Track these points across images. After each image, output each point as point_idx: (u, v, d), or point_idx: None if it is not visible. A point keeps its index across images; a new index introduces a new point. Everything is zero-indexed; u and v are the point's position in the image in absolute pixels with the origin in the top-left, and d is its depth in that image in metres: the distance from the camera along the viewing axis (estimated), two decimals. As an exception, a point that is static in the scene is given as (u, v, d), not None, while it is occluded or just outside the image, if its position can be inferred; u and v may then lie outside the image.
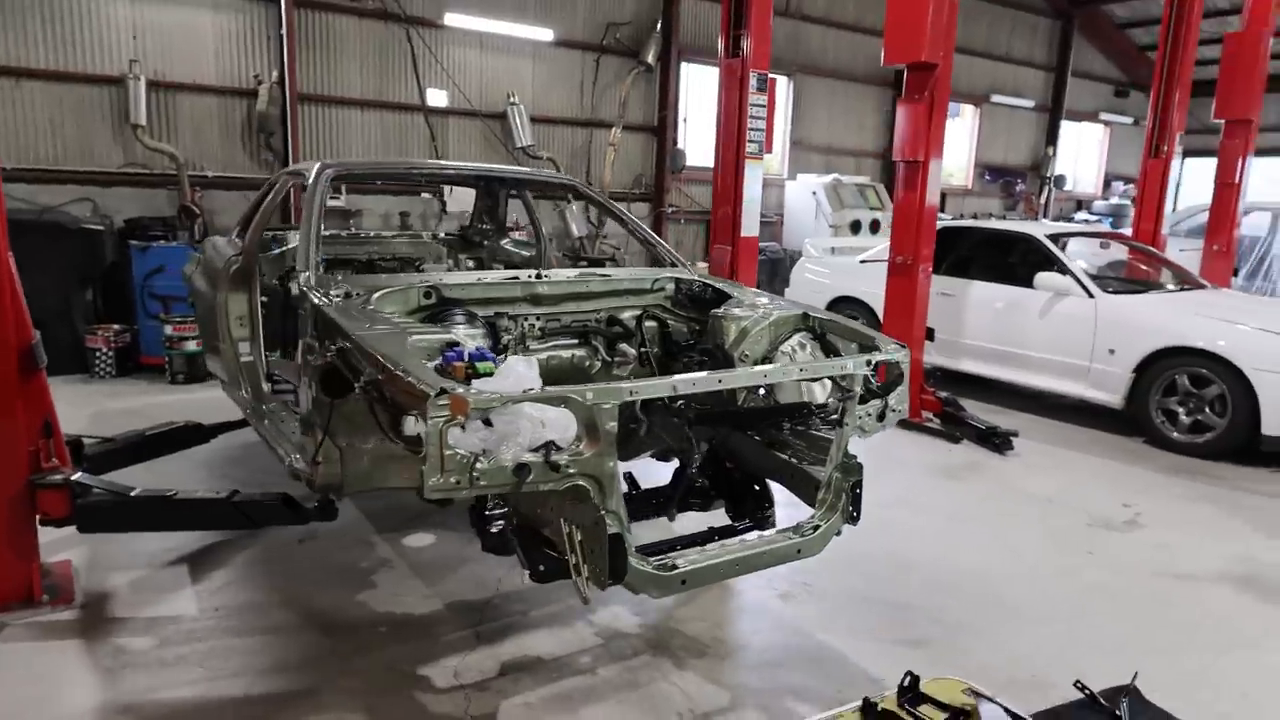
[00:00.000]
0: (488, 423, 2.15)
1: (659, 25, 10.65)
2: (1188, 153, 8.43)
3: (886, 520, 4.18)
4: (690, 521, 3.21)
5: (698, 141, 11.46)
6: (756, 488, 3.15)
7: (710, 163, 9.55)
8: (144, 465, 4.23)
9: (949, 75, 5.74)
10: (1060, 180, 16.41)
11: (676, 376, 2.49)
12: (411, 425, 2.28)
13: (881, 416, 2.92)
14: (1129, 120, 17.86)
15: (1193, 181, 9.06)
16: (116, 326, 7.01)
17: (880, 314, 6.47)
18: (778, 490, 3.19)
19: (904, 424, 4.34)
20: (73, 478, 3.20)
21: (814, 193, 11.63)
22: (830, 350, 3.25)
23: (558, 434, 2.20)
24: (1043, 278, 6.36)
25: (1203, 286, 6.96)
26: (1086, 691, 2.62)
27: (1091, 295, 6.18)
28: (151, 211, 7.75)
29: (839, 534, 2.83)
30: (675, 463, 3.46)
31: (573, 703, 2.81)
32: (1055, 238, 6.70)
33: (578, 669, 3.01)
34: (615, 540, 2.27)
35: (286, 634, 3.20)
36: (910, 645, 3.23)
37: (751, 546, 2.66)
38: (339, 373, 2.64)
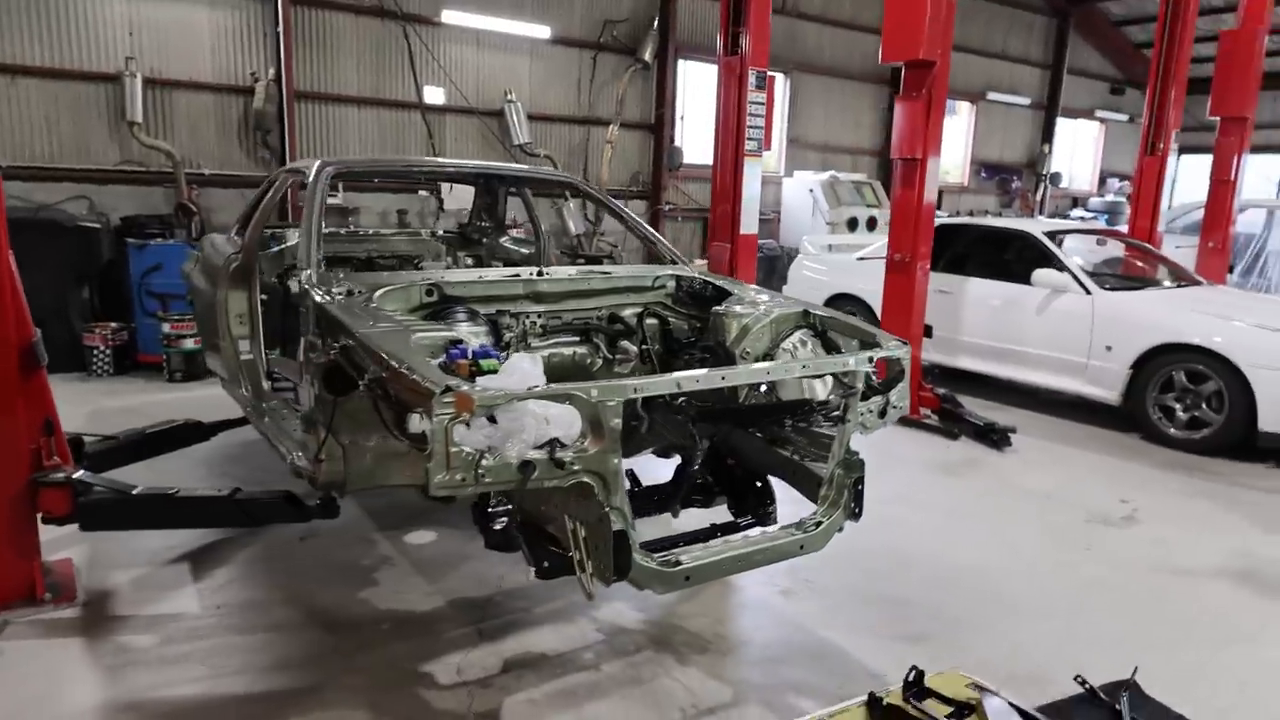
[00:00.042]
0: (492, 420, 2.15)
1: (656, 23, 10.65)
2: (1183, 150, 8.44)
3: (885, 516, 4.19)
4: (692, 518, 3.22)
5: (695, 139, 11.47)
6: (758, 484, 3.16)
7: (707, 160, 9.54)
8: (143, 464, 4.23)
9: (947, 73, 5.76)
10: (1056, 177, 16.46)
11: (680, 373, 2.50)
12: (417, 423, 2.28)
13: (883, 413, 2.93)
14: (1124, 117, 17.92)
15: (1188, 178, 9.10)
16: (114, 324, 6.99)
17: (878, 311, 6.48)
18: (778, 486, 3.21)
19: (902, 421, 4.34)
20: (74, 476, 3.19)
21: (811, 190, 11.65)
22: (831, 347, 3.26)
23: (562, 431, 2.21)
24: (1040, 275, 6.39)
25: (1199, 283, 6.98)
26: (1087, 686, 2.64)
27: (1089, 292, 6.20)
28: (148, 209, 7.73)
29: (841, 530, 2.84)
30: (675, 460, 3.47)
31: (576, 699, 2.82)
32: (1053, 235, 6.72)
33: (581, 665, 3.02)
34: (620, 536, 2.27)
35: (289, 631, 3.20)
36: (910, 641, 3.25)
37: (755, 542, 2.67)
38: (342, 370, 2.64)
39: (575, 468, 2.21)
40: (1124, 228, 9.41)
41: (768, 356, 3.23)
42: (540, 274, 3.42)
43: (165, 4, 7.72)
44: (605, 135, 10.54)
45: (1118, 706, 2.53)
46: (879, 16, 5.72)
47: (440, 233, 5.80)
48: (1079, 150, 17.94)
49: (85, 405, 5.98)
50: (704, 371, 2.60)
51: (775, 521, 3.07)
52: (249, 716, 2.70)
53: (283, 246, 4.73)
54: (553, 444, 2.18)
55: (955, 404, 6.12)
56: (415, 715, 2.72)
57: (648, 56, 10.64)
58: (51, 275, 6.57)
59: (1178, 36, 8.01)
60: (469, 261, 5.41)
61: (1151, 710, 2.65)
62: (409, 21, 9.02)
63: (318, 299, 2.94)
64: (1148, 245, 7.89)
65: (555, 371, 3.28)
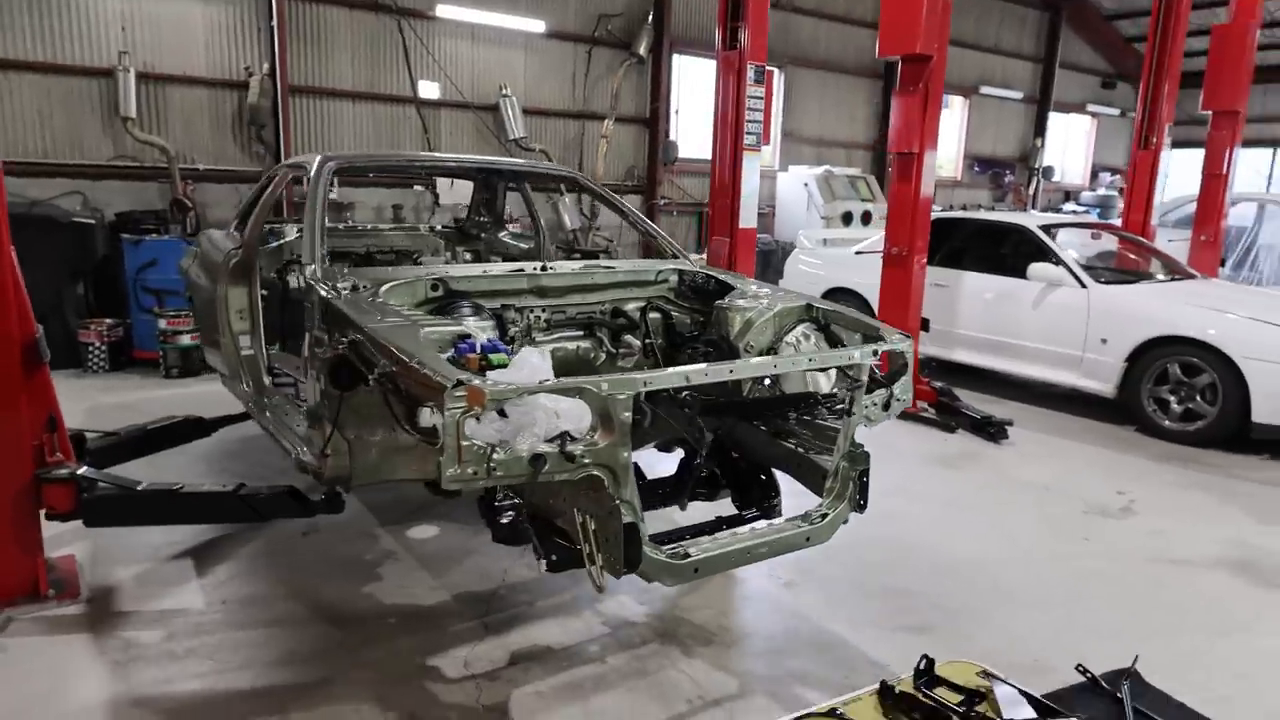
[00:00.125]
0: (503, 414, 2.16)
1: (650, 17, 10.64)
2: (1174, 144, 8.48)
3: (885, 509, 4.20)
4: (696, 511, 3.24)
5: (690, 133, 11.47)
6: (762, 477, 3.18)
7: (702, 155, 9.51)
8: (143, 460, 4.21)
9: (943, 67, 5.77)
10: (1048, 171, 16.53)
11: (689, 367, 2.51)
12: (427, 417, 2.29)
13: (887, 406, 2.95)
14: (1116, 112, 18.00)
15: (1178, 173, 9.15)
16: (109, 321, 6.97)
17: (874, 305, 6.51)
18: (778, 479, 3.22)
19: (899, 414, 4.36)
20: (79, 472, 3.19)
21: (805, 184, 11.66)
22: (834, 341, 3.28)
23: (572, 424, 2.22)
24: (1036, 268, 6.42)
25: (1193, 276, 7.03)
26: (1088, 674, 2.67)
27: (1084, 285, 6.24)
28: (142, 204, 7.69)
29: (846, 522, 2.86)
30: (677, 454, 3.48)
31: (583, 691, 2.84)
32: (1048, 229, 6.75)
33: (587, 658, 3.04)
34: (630, 529, 2.29)
35: (295, 626, 3.21)
36: (913, 631, 3.28)
37: (761, 535, 2.69)
38: (349, 365, 2.64)
39: (585, 461, 2.22)
40: (1116, 221, 9.46)
41: (771, 350, 3.25)
42: (544, 269, 3.43)
43: (159, -2, 7.68)
44: (600, 130, 10.53)
45: (1119, 695, 2.57)
46: (874, 10, 5.75)
47: (438, 228, 5.79)
48: (1071, 144, 18.02)
49: (82, 402, 5.95)
50: (712, 365, 2.61)
51: (780, 514, 3.09)
52: (257, 711, 2.70)
53: (281, 242, 4.72)
54: (563, 437, 2.19)
55: (952, 397, 6.16)
56: (423, 708, 2.73)
57: (642, 51, 10.63)
58: (46, 271, 6.52)
59: (1171, 30, 8.05)
60: (468, 257, 5.41)
61: (1152, 698, 2.68)
62: (403, 16, 8.99)
63: (323, 294, 2.94)
64: (1141, 239, 7.94)
65: (559, 366, 3.28)
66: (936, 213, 6.95)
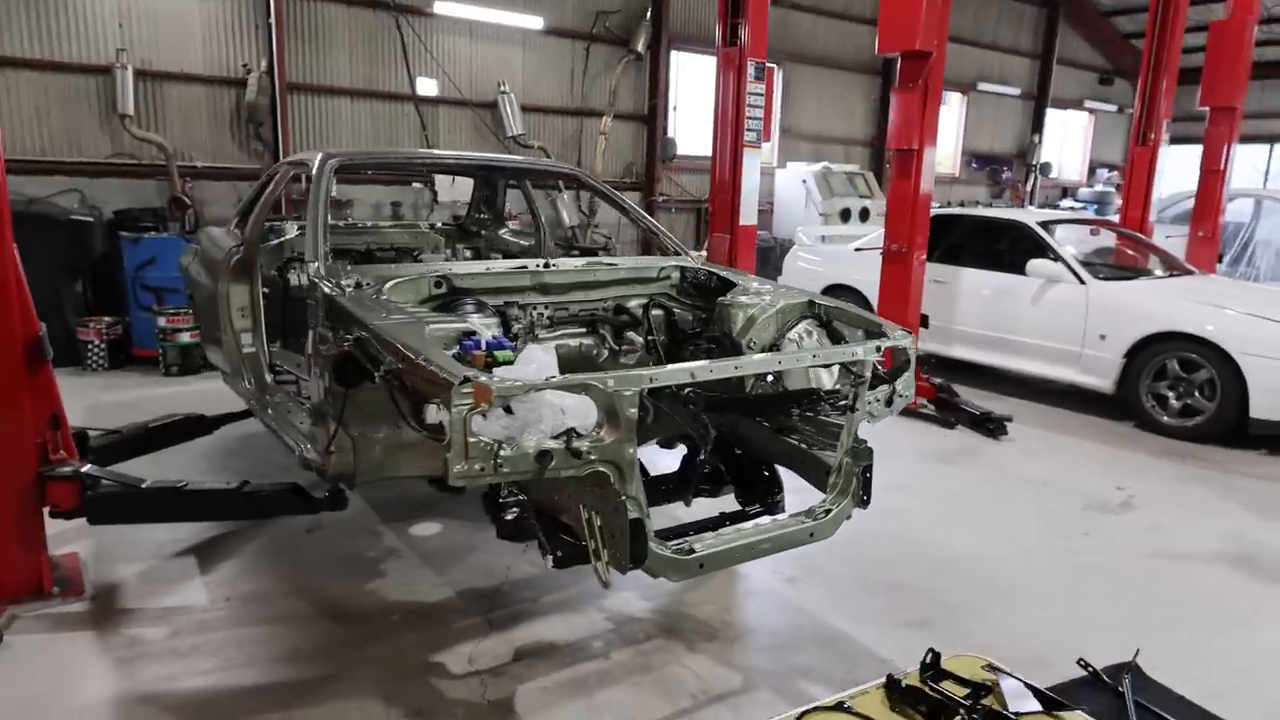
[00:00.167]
0: (509, 410, 2.17)
1: (648, 13, 10.63)
2: (1171, 140, 8.51)
3: (885, 505, 4.18)
4: (700, 507, 3.25)
5: (688, 130, 11.48)
6: (765, 473, 3.19)
7: (700, 151, 9.50)
8: (144, 458, 4.22)
9: (943, 64, 5.78)
10: (1046, 167, 16.55)
11: (694, 363, 2.52)
12: (434, 414, 2.30)
13: (889, 402, 2.97)
14: (1113, 108, 18.02)
15: (1175, 169, 9.16)
16: (108, 318, 6.96)
17: (873, 302, 6.52)
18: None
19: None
20: (83, 470, 3.19)
21: (804, 181, 11.67)
22: (836, 337, 3.29)
23: (578, 421, 2.22)
24: (1035, 265, 6.44)
25: (1190, 272, 7.05)
26: (1090, 669, 2.69)
27: (1083, 282, 6.26)
28: (140, 202, 7.68)
29: (849, 517, 2.87)
30: (679, 450, 3.50)
31: (588, 686, 2.85)
32: (1047, 225, 6.77)
33: (591, 654, 3.05)
34: (636, 525, 2.30)
35: (299, 623, 3.22)
36: (914, 626, 3.29)
37: (765, 530, 2.70)
38: (353, 362, 2.65)
39: (591, 457, 2.23)
40: (1114, 217, 9.49)
41: (774, 347, 3.26)
42: (547, 266, 3.43)
43: (156, -5, 7.66)
44: (599, 126, 10.53)
45: (1120, 688, 2.58)
46: (872, 6, 5.76)
47: (438, 225, 5.79)
48: (1068, 140, 18.05)
49: (81, 400, 5.95)
50: (717, 361, 2.63)
51: (783, 510, 3.10)
52: (263, 707, 2.71)
53: (281, 239, 4.71)
54: (569, 434, 2.20)
55: (951, 393, 6.17)
56: (429, 704, 2.74)
57: (640, 47, 10.63)
58: (44, 269, 6.47)
59: (1169, 26, 8.06)
60: (468, 254, 5.41)
61: (1153, 691, 2.69)
62: (401, 12, 8.97)
63: (327, 291, 2.94)
64: (1140, 235, 7.96)
65: (562, 363, 3.28)
66: (935, 209, 6.97)
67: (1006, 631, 3.28)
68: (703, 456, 3.08)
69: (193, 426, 4.42)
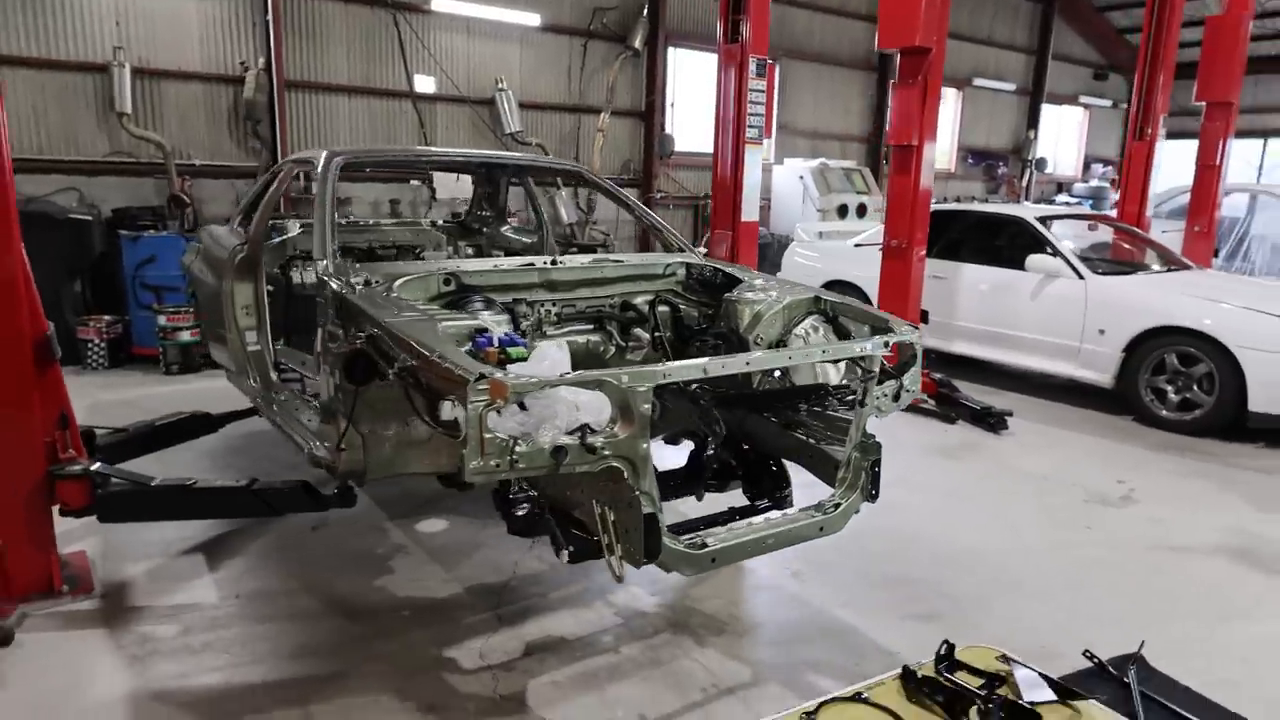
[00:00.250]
0: (523, 407, 2.19)
1: (645, 10, 10.63)
2: (1166, 135, 8.55)
3: (887, 499, 4.19)
4: (706, 502, 3.27)
5: (685, 126, 11.49)
6: (773, 468, 3.21)
7: (697, 148, 9.49)
8: (149, 456, 4.22)
9: (942, 60, 5.80)
10: (1041, 163, 16.60)
11: (707, 359, 2.54)
12: (449, 410, 2.31)
13: (896, 396, 2.99)
14: (1108, 103, 18.09)
15: (1169, 164, 9.20)
16: (108, 317, 6.95)
17: (873, 298, 6.55)
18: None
19: (901, 405, 4.47)
20: (92, 468, 3.20)
21: (801, 177, 11.69)
22: (841, 332, 3.31)
23: (592, 417, 2.24)
24: (1034, 260, 6.47)
25: (1188, 267, 7.09)
26: (1095, 660, 2.72)
27: (1082, 277, 6.29)
28: (138, 201, 7.66)
29: (858, 512, 2.90)
30: (685, 446, 3.51)
31: (599, 680, 2.87)
32: (1045, 220, 6.80)
33: (601, 648, 3.07)
34: (650, 520, 2.32)
35: (309, 620, 3.23)
36: (920, 619, 3.32)
37: (776, 525, 2.72)
38: (365, 360, 2.66)
39: (606, 453, 2.25)
40: (1110, 213, 9.52)
41: (780, 343, 3.28)
42: (554, 263, 3.44)
43: (153, -7, 7.64)
44: (596, 123, 10.53)
45: (1126, 679, 2.62)
46: (868, 2, 5.80)
47: (439, 222, 5.80)
48: (1063, 136, 18.11)
49: (83, 399, 5.92)
50: (729, 357, 2.64)
51: (791, 504, 3.12)
52: (276, 703, 2.73)
53: (284, 237, 4.71)
54: (583, 429, 2.22)
55: (951, 388, 6.21)
56: (442, 699, 2.76)
57: (638, 44, 10.63)
58: (43, 269, 6.31)
59: (1166, 21, 8.09)
60: (469, 251, 5.42)
61: (1158, 682, 2.73)
62: (399, 9, 8.96)
63: (336, 288, 2.95)
64: (1137, 230, 7.99)
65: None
66: (933, 205, 6.99)
67: (1011, 624, 3.31)
68: (711, 451, 3.10)
69: (199, 424, 4.42)
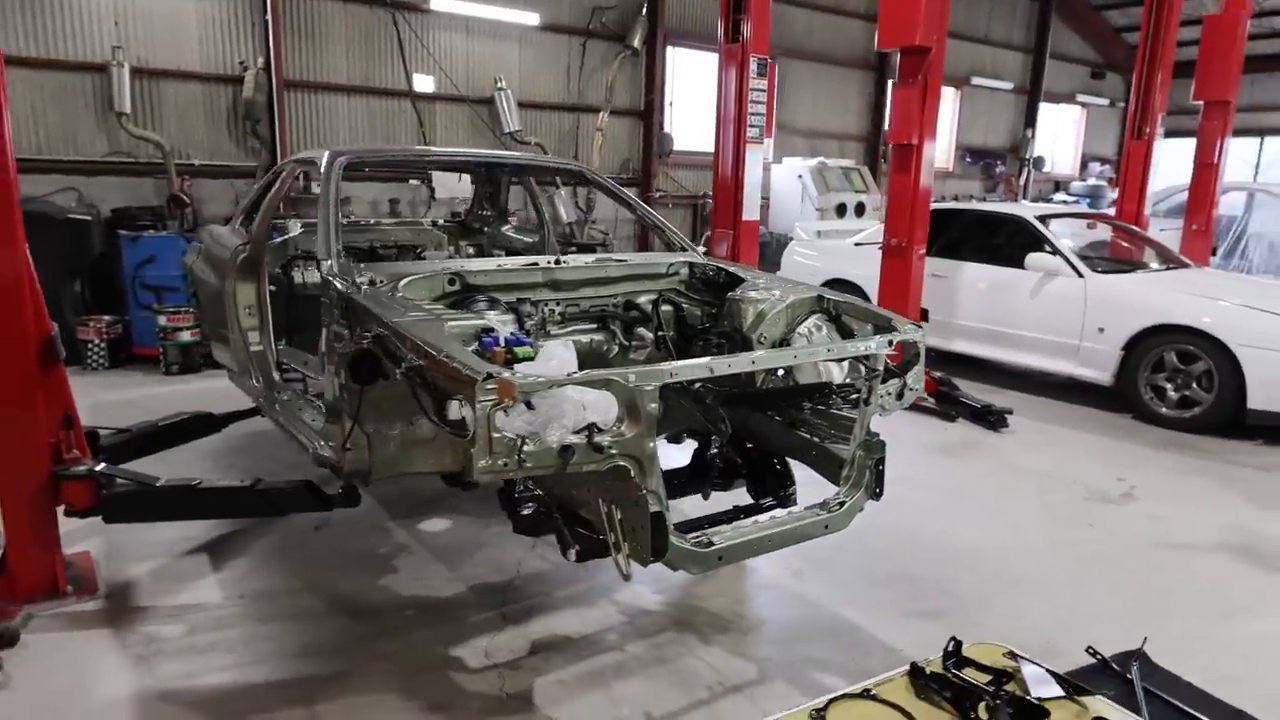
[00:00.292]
0: (530, 406, 2.19)
1: (644, 9, 10.63)
2: (1164, 133, 8.57)
3: (889, 497, 4.19)
4: (710, 501, 3.28)
5: (684, 126, 11.49)
6: (777, 466, 3.22)
7: (696, 147, 9.48)
8: (150, 457, 4.22)
9: (942, 59, 5.81)
10: (1039, 162, 16.63)
11: (713, 358, 2.55)
12: (456, 410, 2.32)
13: (900, 395, 3.00)
14: (1105, 102, 18.12)
15: (1166, 162, 9.21)
16: (108, 318, 6.94)
17: (872, 296, 6.56)
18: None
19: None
20: (97, 469, 3.20)
21: (800, 176, 11.69)
22: (845, 331, 3.32)
23: (599, 416, 2.25)
24: (1033, 258, 6.48)
25: (1186, 265, 7.11)
26: (1098, 656, 2.73)
27: (1081, 275, 6.31)
28: (137, 201, 7.65)
29: (862, 510, 2.91)
30: (687, 444, 3.52)
31: (604, 679, 2.88)
32: (1044, 219, 6.82)
33: (606, 646, 3.08)
34: (657, 518, 2.32)
35: (313, 619, 3.23)
36: (922, 617, 3.33)
37: (781, 523, 2.73)
38: (371, 359, 2.66)
39: (613, 452, 2.25)
40: (1109, 211, 9.54)
41: (784, 341, 3.28)
42: (558, 262, 3.45)
43: (152, -8, 7.63)
44: (595, 122, 10.54)
45: (1129, 675, 2.63)
46: (866, 1, 5.78)
47: (439, 222, 5.80)
48: (1061, 134, 18.13)
49: (84, 399, 5.81)
50: (735, 356, 2.65)
51: (795, 503, 3.14)
52: (282, 703, 2.73)
53: (286, 237, 4.71)
54: (590, 428, 2.22)
55: (952, 387, 6.23)
56: (448, 698, 2.77)
57: (637, 43, 10.63)
58: (43, 269, 6.28)
59: (1164, 20, 8.11)
60: (470, 251, 5.43)
61: (1161, 678, 2.74)
62: (398, 9, 8.96)
63: (341, 288, 2.95)
64: (1135, 228, 8.02)
65: (573, 359, 3.31)
66: (932, 204, 7.00)
67: (1013, 621, 3.32)
68: (715, 450, 3.11)
69: (201, 425, 4.42)
